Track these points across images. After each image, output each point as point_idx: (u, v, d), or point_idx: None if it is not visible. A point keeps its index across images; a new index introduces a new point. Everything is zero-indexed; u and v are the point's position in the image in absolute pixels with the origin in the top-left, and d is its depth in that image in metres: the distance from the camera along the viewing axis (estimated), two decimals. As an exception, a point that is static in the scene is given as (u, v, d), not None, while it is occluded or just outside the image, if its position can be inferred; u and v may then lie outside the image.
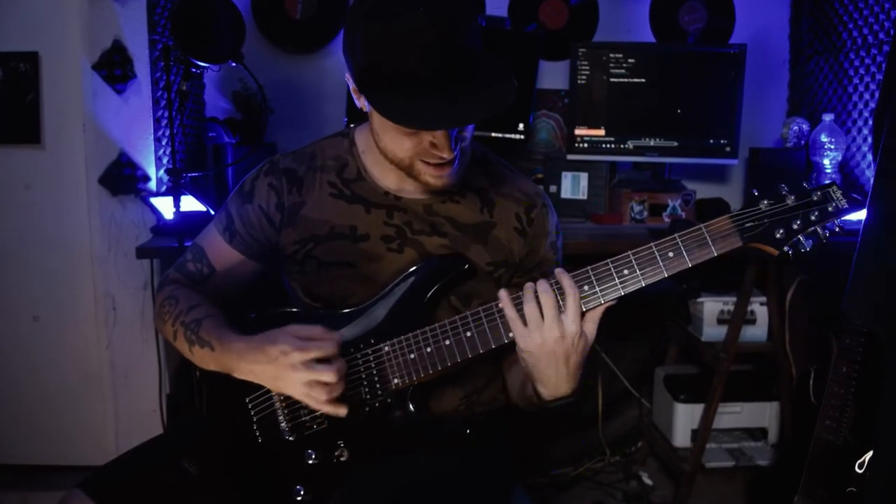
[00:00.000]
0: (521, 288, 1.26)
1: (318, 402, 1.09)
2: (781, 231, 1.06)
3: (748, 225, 1.06)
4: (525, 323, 1.07)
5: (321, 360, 1.09)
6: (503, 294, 1.09)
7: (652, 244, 1.08)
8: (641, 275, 1.08)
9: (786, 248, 1.07)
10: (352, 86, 1.16)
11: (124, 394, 2.34)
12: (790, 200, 1.06)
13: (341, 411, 1.11)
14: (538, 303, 1.07)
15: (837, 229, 1.09)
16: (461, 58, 1.05)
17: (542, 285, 1.07)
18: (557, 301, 1.07)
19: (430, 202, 1.26)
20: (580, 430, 2.63)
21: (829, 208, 1.06)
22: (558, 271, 1.09)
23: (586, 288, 1.08)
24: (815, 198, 1.06)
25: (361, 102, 1.17)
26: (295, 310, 1.27)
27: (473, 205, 1.27)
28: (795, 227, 1.06)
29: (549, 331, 1.06)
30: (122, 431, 2.35)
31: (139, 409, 2.33)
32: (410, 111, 1.04)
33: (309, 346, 1.09)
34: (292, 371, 1.08)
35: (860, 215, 1.33)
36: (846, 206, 1.06)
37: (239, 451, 1.22)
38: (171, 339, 1.24)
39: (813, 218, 1.06)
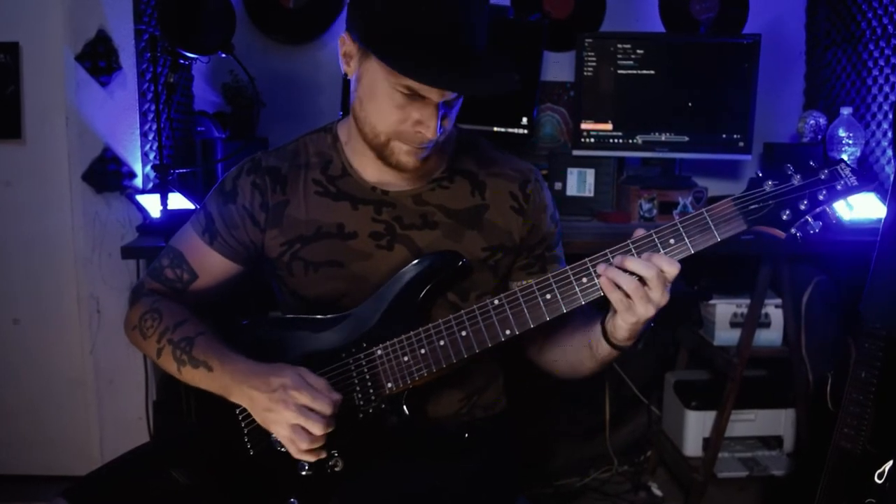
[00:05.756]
0: (527, 272, 1.29)
1: (298, 448, 1.10)
2: (788, 212, 1.05)
3: (752, 207, 1.06)
4: (629, 296, 1.05)
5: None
6: (605, 281, 1.06)
7: (652, 231, 1.08)
8: None
9: (793, 230, 1.06)
10: (346, 46, 1.17)
11: (109, 400, 2.34)
12: (796, 180, 1.05)
13: (320, 457, 1.13)
14: (634, 274, 1.05)
15: (849, 212, 1.08)
16: (475, 37, 1.09)
17: (629, 261, 1.05)
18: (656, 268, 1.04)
19: (419, 191, 1.26)
20: (586, 438, 2.64)
21: (838, 186, 1.04)
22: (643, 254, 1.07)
23: (585, 280, 1.09)
24: (823, 176, 1.05)
25: (351, 66, 1.18)
26: (288, 316, 1.27)
27: (464, 189, 1.28)
28: (802, 207, 1.05)
29: (656, 294, 1.04)
30: (106, 439, 2.35)
31: (125, 416, 2.33)
32: (421, 68, 1.06)
33: (308, 393, 1.09)
34: (284, 407, 1.08)
35: (880, 213, 1.33)
36: (856, 183, 1.04)
37: (229, 461, 1.22)
38: (154, 356, 1.24)
39: (821, 197, 1.05)
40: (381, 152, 1.18)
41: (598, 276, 1.07)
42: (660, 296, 1.04)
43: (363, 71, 1.15)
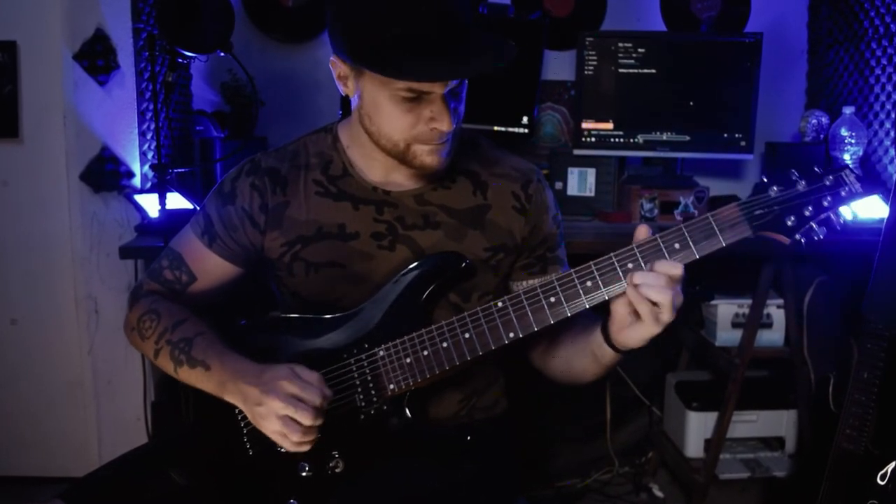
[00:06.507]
0: (528, 271, 1.28)
1: (291, 441, 1.09)
2: (793, 218, 1.06)
3: (758, 213, 1.06)
4: (640, 318, 1.05)
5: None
6: (636, 297, 1.05)
7: (657, 236, 1.07)
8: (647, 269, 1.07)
9: (797, 236, 1.06)
10: (338, 68, 1.17)
11: (107, 401, 2.34)
12: (801, 186, 1.06)
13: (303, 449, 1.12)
14: (646, 299, 1.04)
15: (851, 216, 1.08)
16: (462, 20, 1.09)
17: (640, 277, 1.04)
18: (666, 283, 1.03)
19: (421, 191, 1.26)
20: (587, 439, 2.64)
21: (843, 192, 1.05)
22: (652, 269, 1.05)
23: (589, 284, 1.08)
24: (828, 182, 1.06)
25: (349, 86, 1.18)
26: (287, 315, 1.27)
27: (465, 188, 1.28)
28: (807, 213, 1.05)
29: (666, 315, 1.04)
30: (104, 441, 2.35)
31: (123, 417, 2.33)
32: (417, 68, 1.06)
33: (297, 383, 1.09)
34: (273, 398, 1.08)
35: (883, 213, 1.34)
36: (860, 190, 1.05)
37: (229, 462, 1.22)
38: (151, 357, 1.24)
39: (825, 203, 1.05)
40: (404, 158, 1.19)
41: (627, 290, 1.06)
42: (679, 299, 1.04)
43: (362, 88, 1.16)
